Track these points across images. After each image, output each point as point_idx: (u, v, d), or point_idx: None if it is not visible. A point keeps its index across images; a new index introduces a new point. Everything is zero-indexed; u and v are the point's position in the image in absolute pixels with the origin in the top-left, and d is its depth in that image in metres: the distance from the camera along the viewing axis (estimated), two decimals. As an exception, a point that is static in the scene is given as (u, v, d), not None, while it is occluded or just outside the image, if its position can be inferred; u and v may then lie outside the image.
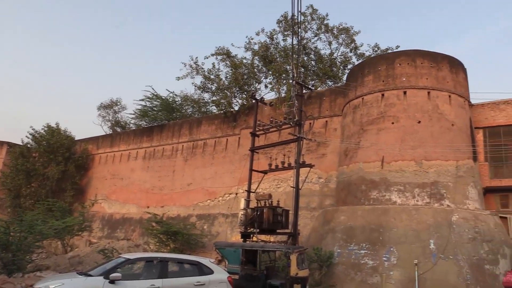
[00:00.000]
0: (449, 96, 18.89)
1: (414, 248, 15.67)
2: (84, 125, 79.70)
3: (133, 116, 41.05)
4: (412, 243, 15.82)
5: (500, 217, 18.28)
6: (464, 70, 20.36)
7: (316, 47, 28.83)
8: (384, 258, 15.86)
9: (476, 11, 78.97)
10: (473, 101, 20.58)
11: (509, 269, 15.86)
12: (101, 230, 33.18)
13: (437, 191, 17.25)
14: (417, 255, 15.46)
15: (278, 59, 27.60)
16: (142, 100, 38.77)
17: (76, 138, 40.05)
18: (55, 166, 35.28)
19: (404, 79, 19.06)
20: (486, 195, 19.36)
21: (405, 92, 18.86)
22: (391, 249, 15.94)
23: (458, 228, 15.94)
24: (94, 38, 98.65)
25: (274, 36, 28.65)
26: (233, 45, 40.12)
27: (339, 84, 26.36)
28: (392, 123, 18.62)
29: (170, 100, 38.25)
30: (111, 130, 43.68)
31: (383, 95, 19.28)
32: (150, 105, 38.98)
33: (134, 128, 39.31)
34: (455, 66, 19.79)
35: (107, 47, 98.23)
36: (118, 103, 44.04)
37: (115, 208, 33.92)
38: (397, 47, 27.63)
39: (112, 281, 8.60)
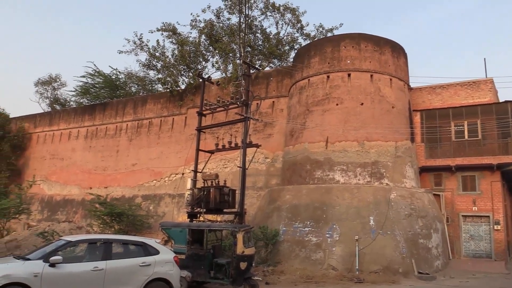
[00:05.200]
0: (390, 79, 19.62)
1: (355, 225, 16.38)
2: (20, 101, 74.91)
3: (74, 93, 39.36)
4: (353, 220, 16.52)
5: (434, 194, 19.52)
6: (404, 55, 21.19)
7: (262, 26, 28.77)
8: (327, 235, 16.46)
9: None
10: (412, 85, 21.55)
11: (440, 242, 17.02)
12: (41, 213, 31.82)
13: (377, 170, 18.04)
14: (357, 231, 16.18)
15: (224, 38, 27.27)
16: (83, 76, 37.29)
17: (11, 116, 37.79)
18: (-13, 146, 33.18)
19: (348, 61, 19.53)
20: (421, 174, 20.53)
21: (349, 75, 19.37)
22: (334, 226, 16.57)
23: (395, 205, 16.82)
24: (31, 8, 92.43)
25: (220, 14, 28.24)
26: (178, 23, 39.03)
27: (285, 64, 26.57)
28: (337, 104, 19.11)
29: (114, 77, 36.91)
30: (49, 107, 41.50)
31: (328, 77, 19.68)
32: (92, 82, 37.49)
33: (75, 106, 37.60)
34: (397, 50, 20.54)
35: (45, 17, 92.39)
36: (58, 79, 41.70)
37: (55, 189, 32.56)
38: (341, 24, 28.33)
39: (52, 265, 8.27)
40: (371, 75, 19.34)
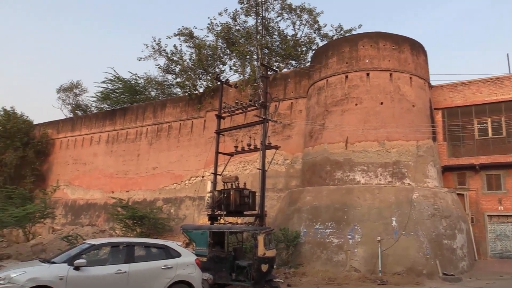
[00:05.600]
0: (410, 77, 19.35)
1: (377, 226, 16.17)
2: (43, 108, 76.54)
3: (95, 99, 40.12)
4: (375, 221, 16.31)
5: (457, 194, 19.13)
6: (424, 52, 20.87)
7: (279, 27, 28.72)
8: (348, 236, 16.30)
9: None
10: (432, 83, 21.20)
11: (465, 243, 16.65)
12: (65, 217, 32.42)
13: (398, 170, 17.79)
14: (380, 232, 15.96)
15: (241, 40, 27.32)
16: (104, 82, 37.95)
17: (35, 122, 38.68)
18: (13, 152, 34.00)
19: (367, 61, 19.34)
20: (444, 173, 20.16)
21: (368, 74, 19.17)
22: (355, 227, 16.39)
23: (418, 206, 16.54)
24: (49, 17, 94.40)
25: (237, 17, 28.29)
26: (195, 28, 39.39)
27: (303, 65, 26.47)
28: (356, 104, 18.94)
29: (133, 82, 37.41)
30: (71, 113, 42.34)
31: (347, 76, 19.53)
32: (112, 88, 38.11)
33: (96, 112, 38.25)
34: (416, 48, 20.24)
35: (64, 26, 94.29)
36: (79, 86, 42.64)
37: (78, 193, 33.15)
38: (360, 26, 28.07)
39: (77, 268, 8.42)
40: (390, 74, 19.11)
